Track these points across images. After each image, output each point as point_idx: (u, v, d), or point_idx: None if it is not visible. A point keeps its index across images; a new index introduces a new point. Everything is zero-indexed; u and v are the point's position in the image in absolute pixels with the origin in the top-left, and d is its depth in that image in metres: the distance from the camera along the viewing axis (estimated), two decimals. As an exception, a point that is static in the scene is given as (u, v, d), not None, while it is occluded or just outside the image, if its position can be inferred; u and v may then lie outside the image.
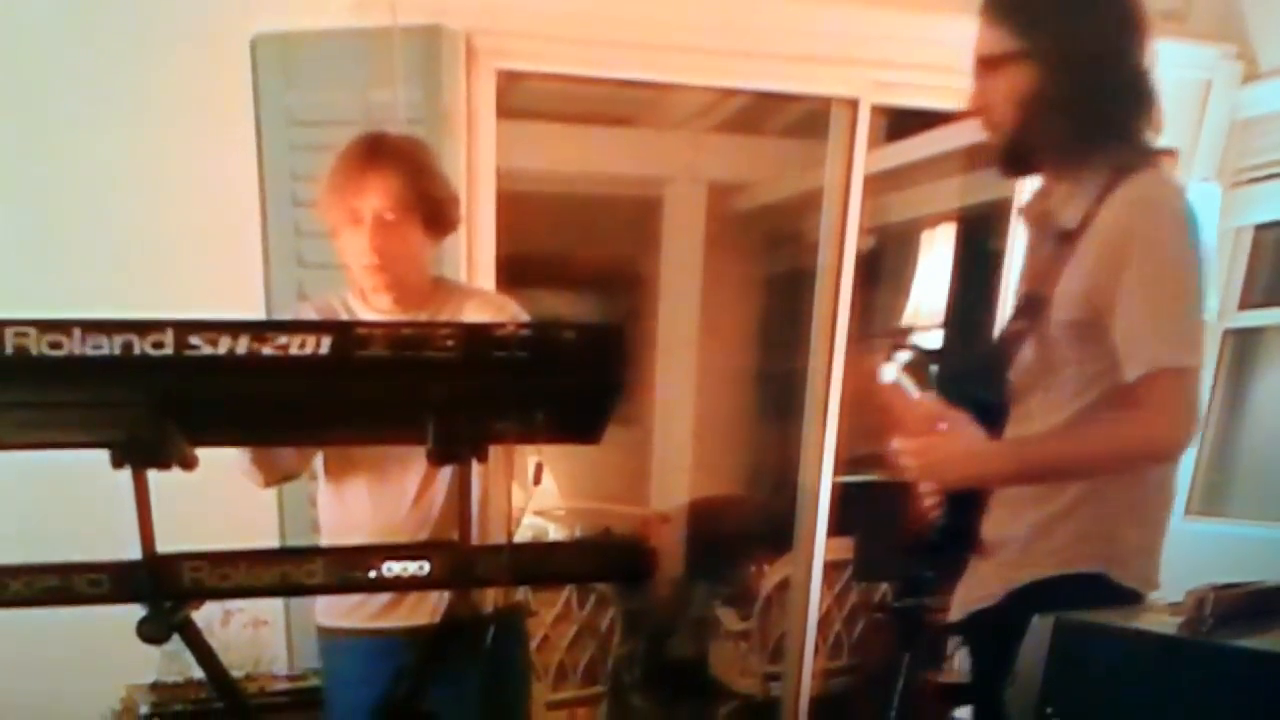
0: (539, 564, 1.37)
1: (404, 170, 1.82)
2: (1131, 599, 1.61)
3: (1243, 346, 3.53)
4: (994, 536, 1.72)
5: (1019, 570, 1.67)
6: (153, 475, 1.19)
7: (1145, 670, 1.14)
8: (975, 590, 1.75)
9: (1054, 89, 1.58)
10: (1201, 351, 1.54)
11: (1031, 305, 1.67)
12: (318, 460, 1.95)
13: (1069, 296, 1.58)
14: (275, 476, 1.93)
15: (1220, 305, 3.20)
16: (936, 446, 1.61)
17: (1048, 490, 1.65)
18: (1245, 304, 3.41)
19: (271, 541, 2.61)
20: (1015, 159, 1.68)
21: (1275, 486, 3.43)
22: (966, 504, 1.73)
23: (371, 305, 1.91)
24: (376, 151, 1.83)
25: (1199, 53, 3.13)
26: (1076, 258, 1.58)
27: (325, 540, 1.97)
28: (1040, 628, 1.12)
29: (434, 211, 1.88)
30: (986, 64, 1.64)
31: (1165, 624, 1.15)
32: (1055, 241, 1.63)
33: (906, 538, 1.82)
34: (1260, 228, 3.35)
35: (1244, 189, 3.25)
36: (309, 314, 1.95)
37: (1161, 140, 1.63)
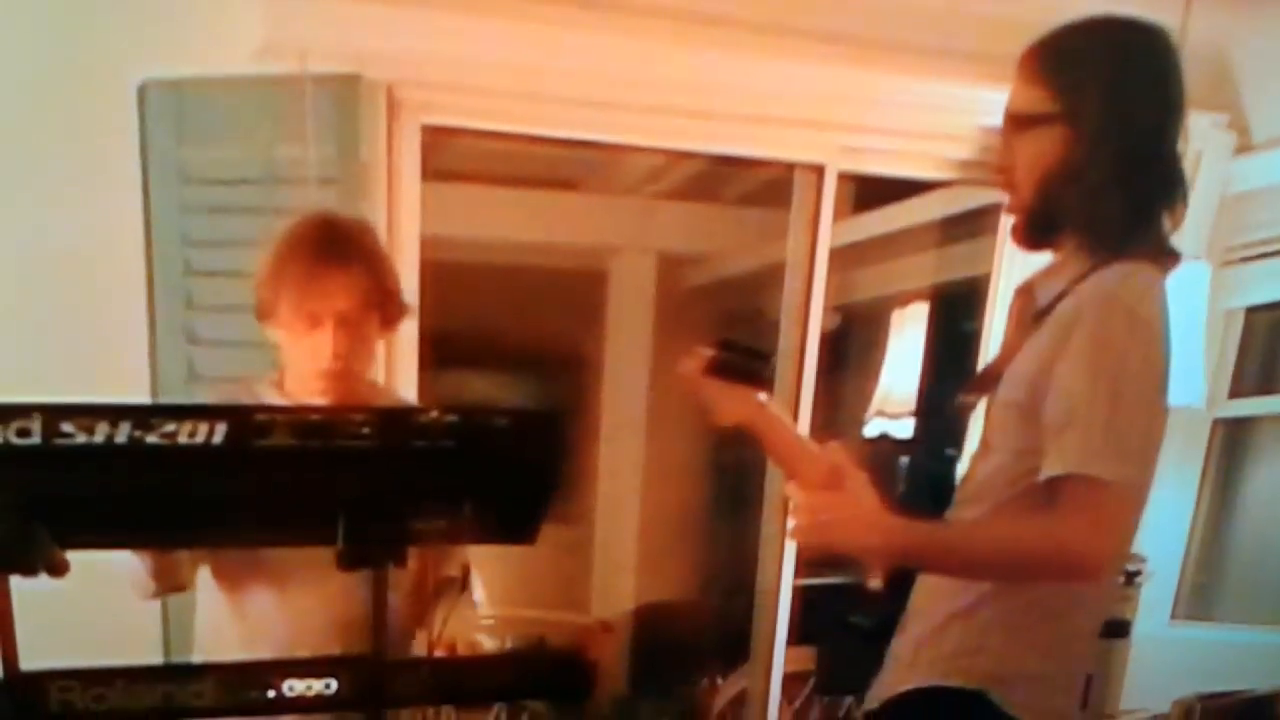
0: (464, 680, 1.33)
1: (367, 265, 1.82)
2: None
3: (1232, 437, 3.61)
4: (901, 633, 1.75)
5: (908, 674, 1.70)
6: (17, 582, 1.15)
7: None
8: (872, 691, 1.77)
9: (1086, 159, 1.57)
10: (1140, 467, 1.50)
11: (984, 380, 1.72)
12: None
13: (1015, 376, 1.61)
14: (171, 586, 1.87)
15: (1209, 393, 3.25)
16: (831, 506, 1.54)
17: (957, 590, 1.65)
18: (1235, 392, 3.48)
19: (155, 657, 2.54)
20: (1034, 230, 1.68)
21: (1266, 586, 3.49)
22: (900, 592, 1.74)
23: (288, 397, 1.88)
24: (335, 243, 1.82)
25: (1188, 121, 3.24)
26: (1034, 338, 1.61)
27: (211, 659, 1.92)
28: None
29: (391, 306, 1.89)
30: (1017, 122, 1.64)
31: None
32: (1030, 320, 1.67)
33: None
34: (1252, 310, 3.43)
35: (1235, 268, 3.31)
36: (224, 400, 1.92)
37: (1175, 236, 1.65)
